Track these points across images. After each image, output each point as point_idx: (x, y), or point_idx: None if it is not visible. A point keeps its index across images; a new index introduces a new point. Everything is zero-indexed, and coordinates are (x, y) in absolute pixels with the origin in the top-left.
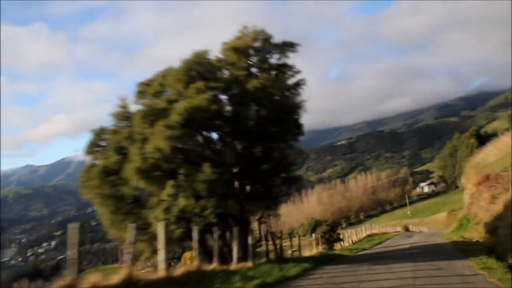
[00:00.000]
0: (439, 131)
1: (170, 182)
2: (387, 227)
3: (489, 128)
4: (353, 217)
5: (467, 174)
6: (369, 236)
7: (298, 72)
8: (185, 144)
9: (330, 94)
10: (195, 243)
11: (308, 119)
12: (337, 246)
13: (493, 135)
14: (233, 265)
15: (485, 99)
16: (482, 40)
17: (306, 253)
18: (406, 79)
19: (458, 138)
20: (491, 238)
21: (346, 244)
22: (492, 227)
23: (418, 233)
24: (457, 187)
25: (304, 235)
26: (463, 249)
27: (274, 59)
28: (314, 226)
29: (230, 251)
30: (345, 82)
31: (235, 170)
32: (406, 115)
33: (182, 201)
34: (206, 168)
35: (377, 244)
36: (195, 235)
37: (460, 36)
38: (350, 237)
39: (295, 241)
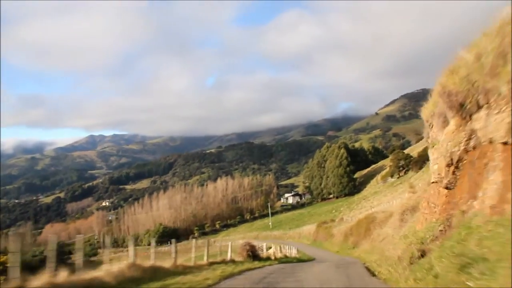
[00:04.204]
0: (306, 148)
1: None
2: (233, 240)
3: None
4: (208, 226)
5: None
6: None
7: None
8: None
9: (204, 102)
10: None
11: (181, 126)
12: None
13: (361, 149)
14: None
15: (349, 122)
16: (349, 67)
17: None
18: (279, 95)
19: (328, 148)
20: None
21: None
22: None
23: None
24: (323, 199)
25: (149, 244)
26: None
27: None
28: (162, 233)
29: None
30: (220, 91)
31: None
32: (276, 130)
33: None
34: None
35: None
36: None
37: (330, 60)
38: None
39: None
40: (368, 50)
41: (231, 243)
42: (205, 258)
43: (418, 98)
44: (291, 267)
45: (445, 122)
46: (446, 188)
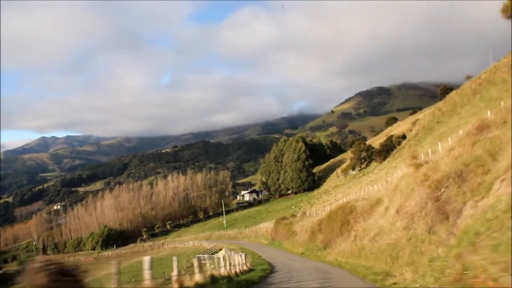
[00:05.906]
0: (262, 146)
1: None
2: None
3: None
4: (158, 227)
5: None
6: None
7: None
8: None
9: (160, 102)
10: None
11: (136, 126)
12: None
13: (319, 144)
14: None
15: (305, 121)
16: (305, 66)
17: None
18: (235, 95)
19: (285, 141)
20: None
21: None
22: None
23: None
24: (281, 195)
25: (93, 248)
26: None
27: None
28: (107, 236)
29: None
30: (176, 91)
31: None
32: (232, 130)
33: None
34: None
35: None
36: None
37: (286, 59)
38: None
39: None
40: (324, 49)
41: None
42: None
43: (372, 96)
44: None
45: None
46: None
